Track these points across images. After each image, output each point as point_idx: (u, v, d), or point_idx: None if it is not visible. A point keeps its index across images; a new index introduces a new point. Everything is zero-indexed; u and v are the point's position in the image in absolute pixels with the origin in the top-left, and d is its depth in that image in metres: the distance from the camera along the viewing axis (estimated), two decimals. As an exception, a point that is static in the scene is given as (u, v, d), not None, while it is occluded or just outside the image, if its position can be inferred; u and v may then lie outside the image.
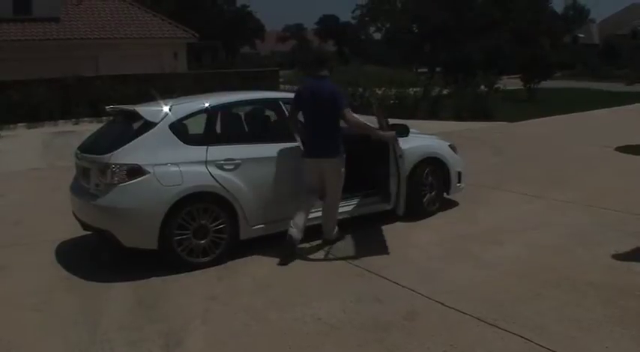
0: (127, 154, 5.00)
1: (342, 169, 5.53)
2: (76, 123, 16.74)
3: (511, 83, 23.29)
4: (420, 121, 13.77)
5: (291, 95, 5.84)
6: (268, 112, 6.19)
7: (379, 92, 18.42)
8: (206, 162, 5.19)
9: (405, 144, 5.90)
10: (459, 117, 16.55)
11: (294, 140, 5.66)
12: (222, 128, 5.77)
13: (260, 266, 5.19)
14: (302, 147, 5.58)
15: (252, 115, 6.16)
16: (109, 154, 5.02)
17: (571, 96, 22.74)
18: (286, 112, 5.82)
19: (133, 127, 5.33)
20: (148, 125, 5.21)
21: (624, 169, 9.06)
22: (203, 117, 5.48)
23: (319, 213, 5.69)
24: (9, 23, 21.97)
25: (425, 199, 6.50)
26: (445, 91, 19.35)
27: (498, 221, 6.37)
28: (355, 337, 3.81)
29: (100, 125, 6.91)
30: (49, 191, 8.13)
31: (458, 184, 6.87)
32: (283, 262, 5.24)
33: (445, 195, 6.81)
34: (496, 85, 20.16)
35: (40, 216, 7.09)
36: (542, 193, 7.47)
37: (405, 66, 40.38)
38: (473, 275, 4.78)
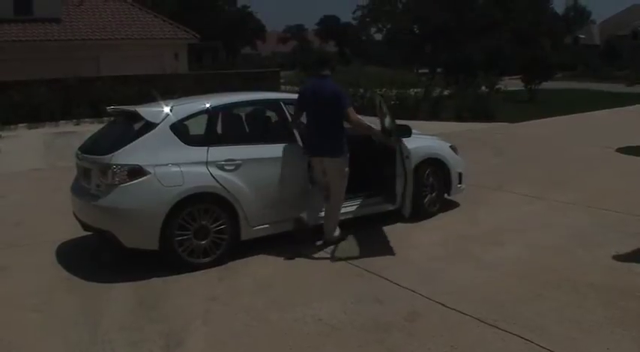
0: (128, 155, 5.01)
1: (346, 169, 5.55)
2: (77, 124, 16.76)
3: (512, 84, 23.32)
4: (421, 122, 13.75)
5: (292, 96, 5.86)
6: (269, 113, 6.20)
7: (380, 93, 18.41)
8: (207, 163, 5.19)
9: (406, 144, 5.89)
10: (459, 118, 16.55)
11: (295, 140, 5.67)
12: (223, 129, 5.77)
13: (261, 267, 5.19)
14: (302, 145, 5.62)
15: (253, 116, 6.16)
16: (110, 155, 5.03)
17: (572, 97, 22.75)
18: (287, 113, 5.84)
19: (134, 128, 5.34)
20: (149, 126, 5.21)
21: (625, 170, 9.05)
22: (204, 117, 5.48)
23: (322, 213, 5.70)
24: (10, 24, 21.98)
25: (426, 200, 6.50)
26: (446, 92, 19.36)
27: (499, 222, 6.37)
28: (356, 338, 3.81)
29: (101, 126, 6.92)
30: (50, 191, 8.13)
31: (459, 185, 6.87)
32: (290, 257, 5.34)
33: (446, 195, 6.81)
34: (497, 86, 20.16)
35: (41, 216, 7.09)
36: (543, 194, 7.47)
37: (406, 67, 40.38)
38: (473, 276, 4.78)
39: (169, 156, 5.09)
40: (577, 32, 60.25)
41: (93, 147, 5.56)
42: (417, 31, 51.60)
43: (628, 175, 8.64)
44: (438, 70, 35.21)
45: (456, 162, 6.84)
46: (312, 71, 6.00)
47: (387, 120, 6.15)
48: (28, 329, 4.11)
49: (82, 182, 5.54)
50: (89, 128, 13.16)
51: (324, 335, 3.86)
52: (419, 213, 6.38)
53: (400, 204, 5.86)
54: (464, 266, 5.03)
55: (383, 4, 57.51)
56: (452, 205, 6.95)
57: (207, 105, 5.59)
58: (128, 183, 4.93)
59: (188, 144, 5.25)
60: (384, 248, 5.56)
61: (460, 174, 6.87)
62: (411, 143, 6.18)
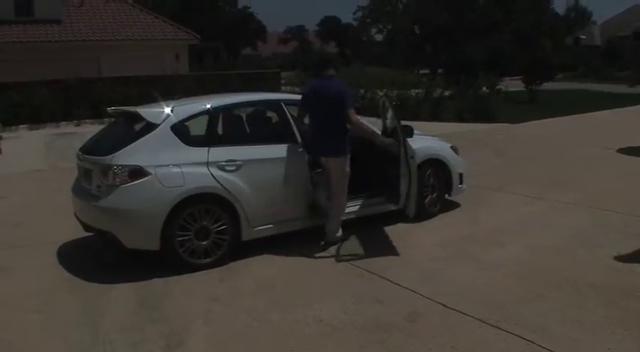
0: (128, 156, 5.01)
1: (347, 169, 5.56)
2: (78, 125, 16.78)
3: (513, 85, 23.33)
4: (422, 123, 13.73)
5: (293, 96, 5.86)
6: (270, 114, 6.20)
7: (381, 93, 18.41)
8: (208, 164, 5.19)
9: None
10: (460, 118, 16.55)
11: (296, 141, 5.67)
12: (223, 129, 5.78)
13: (262, 267, 5.19)
14: (304, 146, 5.65)
15: (254, 116, 6.16)
16: (110, 156, 5.03)
17: (573, 97, 22.75)
18: (288, 113, 5.85)
19: (135, 129, 5.34)
20: (150, 126, 5.21)
21: (626, 171, 9.05)
22: (205, 118, 5.48)
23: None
24: (11, 25, 22.03)
25: (426, 200, 6.49)
26: (447, 93, 19.35)
27: (500, 222, 6.37)
28: (357, 338, 3.81)
29: (102, 127, 6.92)
30: (51, 192, 8.14)
31: (459, 185, 6.87)
32: (291, 257, 5.40)
33: (447, 196, 6.81)
34: (498, 87, 20.16)
35: (42, 217, 7.09)
36: (543, 195, 7.47)
37: (407, 67, 40.36)
38: (474, 277, 4.78)
39: (170, 157, 5.09)
40: (578, 33, 60.18)
41: (94, 147, 5.56)
42: (418, 32, 51.57)
43: (629, 176, 8.64)
44: (439, 70, 35.21)
45: (456, 163, 6.84)
46: (316, 72, 5.99)
47: (390, 121, 6.16)
48: (29, 330, 4.12)
49: (83, 183, 5.55)
50: (90, 129, 13.16)
51: (325, 336, 3.86)
52: (420, 214, 6.37)
53: (404, 204, 5.85)
54: (465, 267, 5.03)
55: (383, 5, 57.55)
56: (453, 206, 6.95)
57: (208, 106, 5.59)
58: (129, 184, 4.93)
59: (189, 145, 5.25)
60: (385, 248, 5.56)
61: (461, 175, 6.87)
62: (412, 143, 6.18)
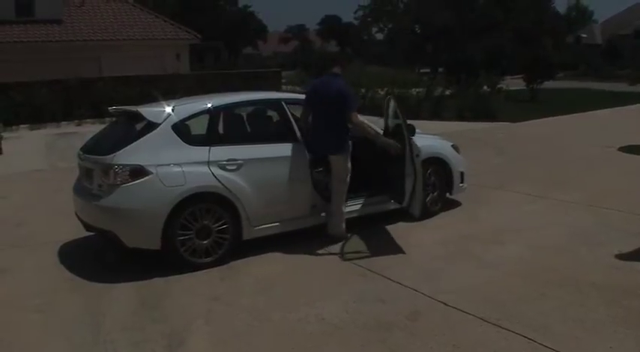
0: (129, 155, 5.01)
1: (348, 164, 5.59)
2: (79, 125, 16.78)
3: (514, 83, 23.32)
4: (423, 121, 13.71)
5: (294, 95, 5.87)
6: (270, 113, 6.20)
7: (381, 92, 18.41)
8: (208, 163, 5.19)
9: None
10: (461, 117, 16.54)
11: (297, 140, 5.67)
12: (224, 129, 5.78)
13: (263, 267, 5.19)
14: (306, 145, 5.66)
15: (255, 116, 6.16)
16: (111, 155, 5.03)
17: (573, 96, 22.72)
18: (288, 113, 5.86)
19: (136, 128, 5.34)
20: (151, 126, 5.21)
21: (627, 169, 9.04)
22: (205, 117, 5.49)
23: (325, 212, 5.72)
24: (11, 25, 22.04)
25: (427, 199, 6.48)
26: (447, 92, 19.35)
27: (501, 221, 6.37)
28: (358, 337, 3.81)
29: (103, 126, 6.92)
30: (52, 192, 8.14)
31: (460, 184, 6.87)
32: (292, 256, 5.39)
33: (448, 195, 6.81)
34: (499, 86, 20.15)
35: (43, 217, 7.09)
36: (544, 193, 7.46)
37: (408, 66, 40.40)
38: (475, 276, 4.78)
39: (171, 156, 5.09)
40: (579, 32, 60.11)
41: (95, 147, 5.56)
42: (419, 31, 51.62)
43: (630, 174, 8.63)
44: (440, 69, 35.22)
45: (457, 162, 6.84)
46: (324, 70, 6.01)
47: (391, 120, 6.16)
48: (30, 330, 4.12)
49: (84, 182, 5.55)
50: (91, 129, 13.17)
51: (326, 335, 3.86)
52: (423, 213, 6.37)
53: (408, 203, 5.83)
54: (466, 266, 5.03)
55: (384, 4, 57.62)
56: (454, 204, 6.95)
57: (209, 105, 5.59)
58: (130, 183, 4.93)
59: (190, 144, 5.25)
60: (386, 247, 5.56)
61: (462, 174, 6.87)
62: (413, 142, 6.19)
